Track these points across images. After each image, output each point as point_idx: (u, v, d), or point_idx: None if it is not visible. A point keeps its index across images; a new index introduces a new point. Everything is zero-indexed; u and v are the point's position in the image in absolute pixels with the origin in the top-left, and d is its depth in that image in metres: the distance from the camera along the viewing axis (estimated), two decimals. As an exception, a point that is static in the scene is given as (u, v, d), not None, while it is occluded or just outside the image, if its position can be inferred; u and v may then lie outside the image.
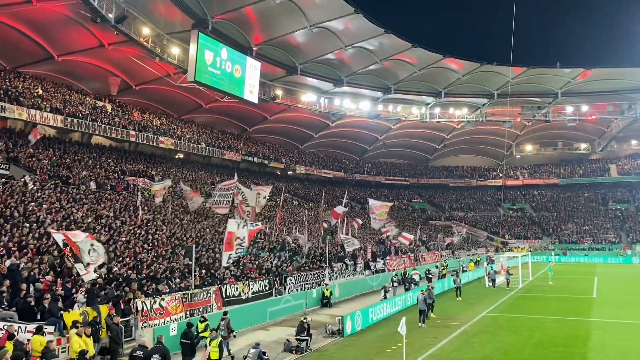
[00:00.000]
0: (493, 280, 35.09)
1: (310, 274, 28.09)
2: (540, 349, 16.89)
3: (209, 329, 15.46)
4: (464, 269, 42.42)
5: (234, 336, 16.49)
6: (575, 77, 67.19)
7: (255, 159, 60.64)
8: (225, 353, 15.20)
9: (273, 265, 27.69)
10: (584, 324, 21.22)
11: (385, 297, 26.09)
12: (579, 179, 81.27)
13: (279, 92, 61.13)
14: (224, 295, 20.59)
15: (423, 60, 63.17)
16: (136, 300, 16.83)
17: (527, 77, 67.79)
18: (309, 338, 17.23)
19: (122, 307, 16.23)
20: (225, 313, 16.83)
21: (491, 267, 38.10)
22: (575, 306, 26.13)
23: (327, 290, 26.63)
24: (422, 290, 22.40)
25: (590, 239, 68.92)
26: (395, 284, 30.28)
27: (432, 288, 25.03)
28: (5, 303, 13.80)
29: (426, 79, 68.16)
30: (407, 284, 31.80)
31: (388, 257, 40.54)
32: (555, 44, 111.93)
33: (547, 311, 24.60)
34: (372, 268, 36.55)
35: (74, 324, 13.08)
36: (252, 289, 22.60)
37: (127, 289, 17.52)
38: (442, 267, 41.06)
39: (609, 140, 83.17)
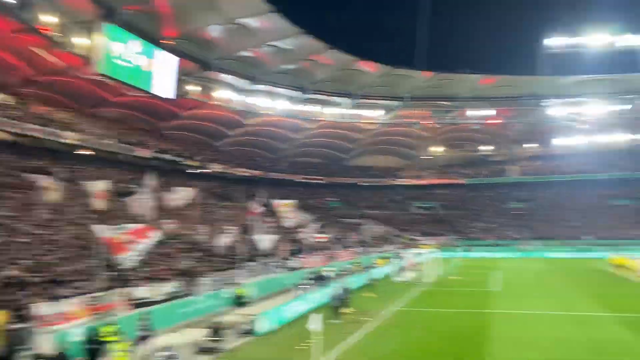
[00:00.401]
0: (404, 276, 36.32)
1: (225, 273, 27.63)
2: (447, 341, 17.65)
3: (116, 333, 14.73)
4: (376, 265, 43.57)
5: (150, 339, 15.83)
6: (479, 82, 71.13)
7: (168, 157, 58.69)
8: (136, 357, 14.56)
9: (186, 265, 26.95)
10: (484, 315, 22.45)
11: (300, 295, 26.20)
12: (484, 179, 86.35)
13: (190, 87, 59.61)
14: (132, 298, 19.74)
15: (339, 61, 64.29)
16: (36, 305, 15.72)
17: (437, 81, 70.95)
18: (222, 339, 16.94)
19: (20, 312, 15.10)
20: (144, 314, 16.16)
21: (401, 263, 39.42)
22: (477, 299, 27.58)
23: (241, 289, 26.32)
24: (336, 287, 22.70)
25: (494, 235, 73.32)
26: (311, 282, 30.49)
27: (346, 285, 25.46)
28: None
29: (342, 80, 69.43)
30: (322, 282, 32.13)
31: (303, 255, 40.80)
32: (465, 51, 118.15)
33: (452, 305, 25.82)
34: (287, 266, 36.60)
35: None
36: (163, 290, 21.85)
37: (25, 293, 16.32)
38: (356, 264, 41.92)
39: (511, 142, 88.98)
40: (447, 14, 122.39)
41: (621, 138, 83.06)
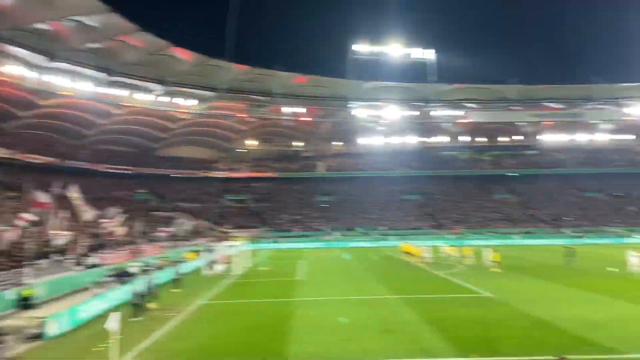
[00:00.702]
0: (213, 269, 36.03)
1: (8, 273, 24.31)
2: (253, 331, 17.95)
3: None
4: (184, 259, 42.54)
5: None
6: (294, 81, 73.81)
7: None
8: None
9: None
10: (290, 304, 23.37)
11: (99, 294, 24.28)
12: (293, 174, 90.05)
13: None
14: None
15: (151, 45, 61.14)
16: None
17: (252, 75, 71.75)
18: (1, 345, 14.85)
19: None
20: None
21: (211, 256, 39.08)
22: (284, 288, 28.61)
23: (28, 290, 23.41)
24: (139, 283, 21.54)
25: (301, 227, 76.85)
26: (112, 279, 28.49)
27: (151, 280, 24.33)
28: None
29: (154, 65, 66.19)
30: (125, 278, 30.24)
31: (105, 251, 37.91)
32: (280, 49, 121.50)
33: (260, 295, 26.38)
34: (85, 263, 33.63)
35: None
36: None
37: None
38: (163, 259, 40.39)
39: (318, 140, 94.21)
40: (265, 12, 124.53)
41: (412, 140, 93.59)
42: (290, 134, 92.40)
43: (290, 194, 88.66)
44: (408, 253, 45.11)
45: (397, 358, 14.25)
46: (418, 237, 65.03)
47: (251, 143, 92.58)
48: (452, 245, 45.61)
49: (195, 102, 77.45)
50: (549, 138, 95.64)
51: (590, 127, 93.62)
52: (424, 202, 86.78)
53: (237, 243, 46.58)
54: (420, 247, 43.40)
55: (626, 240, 65.87)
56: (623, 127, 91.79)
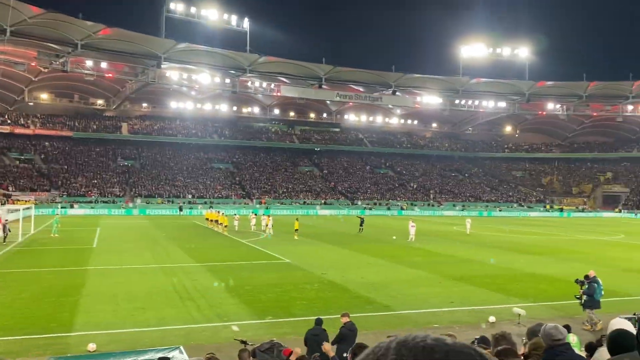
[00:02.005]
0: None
1: None
2: (33, 301, 16.31)
3: None
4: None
5: None
6: (97, 32, 67.25)
7: None
8: None
9: None
10: (82, 272, 21.68)
11: None
12: (93, 134, 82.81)
13: None
14: None
15: None
16: None
17: (47, 20, 63.43)
18: None
19: None
20: None
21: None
22: (76, 256, 26.41)
23: None
24: None
25: (97, 192, 71.34)
26: None
27: None
28: None
29: None
30: None
31: None
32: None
33: (47, 263, 23.95)
34: None
35: None
36: None
37: None
38: None
39: (122, 99, 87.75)
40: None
41: (224, 109, 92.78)
42: (91, 90, 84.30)
43: (87, 155, 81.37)
44: (213, 221, 45.01)
45: (195, 324, 14.18)
46: (226, 206, 65.32)
47: (43, 96, 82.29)
48: (257, 214, 46.80)
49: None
50: (351, 118, 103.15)
51: (386, 111, 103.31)
52: (233, 171, 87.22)
53: (20, 207, 41.37)
54: (226, 216, 43.61)
55: (408, 212, 74.91)
56: (411, 113, 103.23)
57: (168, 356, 8.97)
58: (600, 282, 14.74)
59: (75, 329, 13.50)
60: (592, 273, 15.08)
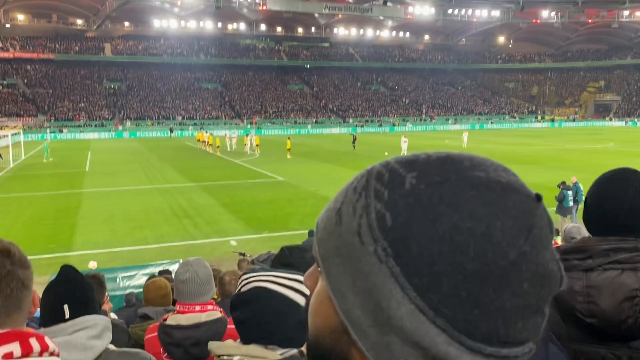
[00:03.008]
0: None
1: None
2: (31, 224, 16.48)
3: None
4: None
5: None
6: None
7: None
8: None
9: None
10: (77, 195, 21.77)
11: None
12: (75, 56, 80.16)
13: None
14: None
15: None
16: None
17: None
18: None
19: None
20: None
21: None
22: (70, 180, 26.38)
23: None
24: None
25: (86, 116, 70.28)
26: None
27: None
28: None
29: None
30: None
31: None
32: None
33: (42, 188, 23.95)
34: None
35: None
36: None
37: None
38: None
39: (103, 18, 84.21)
40: None
41: (210, 26, 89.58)
42: (70, 9, 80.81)
43: (72, 78, 79.31)
44: (204, 142, 44.77)
45: (194, 240, 14.44)
46: (216, 127, 64.82)
47: (20, 17, 78.88)
48: (249, 134, 46.53)
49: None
50: (341, 32, 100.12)
51: (377, 23, 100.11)
52: (222, 91, 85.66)
53: (9, 132, 40.79)
54: (217, 136, 43.32)
55: (400, 128, 74.67)
56: (403, 25, 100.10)
57: (169, 269, 9.17)
58: (582, 188, 14.63)
59: (75, 248, 13.73)
60: (574, 179, 15.19)
